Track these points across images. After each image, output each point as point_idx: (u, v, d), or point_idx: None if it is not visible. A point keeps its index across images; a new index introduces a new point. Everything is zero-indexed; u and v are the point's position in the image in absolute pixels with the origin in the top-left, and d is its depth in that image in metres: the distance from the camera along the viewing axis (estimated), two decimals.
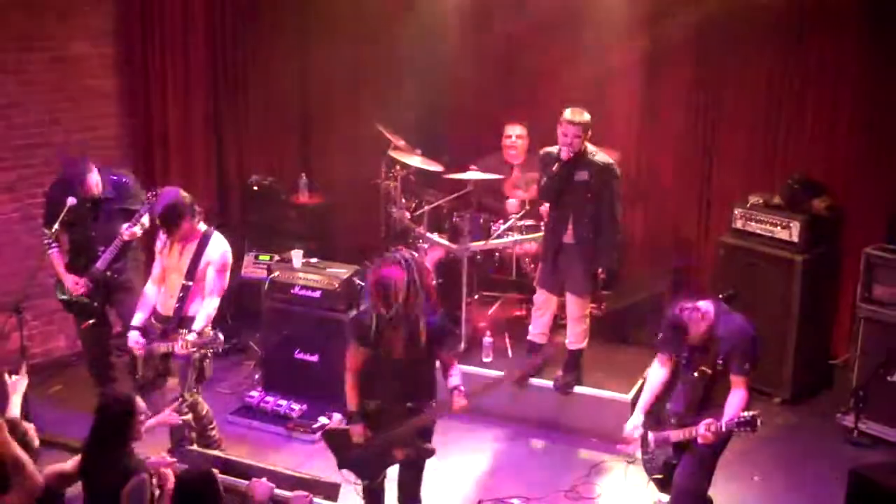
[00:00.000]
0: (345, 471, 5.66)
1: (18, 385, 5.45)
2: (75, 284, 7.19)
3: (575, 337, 7.34)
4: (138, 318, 6.47)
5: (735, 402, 5.39)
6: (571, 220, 7.04)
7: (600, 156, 6.97)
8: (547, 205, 7.47)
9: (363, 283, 7.75)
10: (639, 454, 5.91)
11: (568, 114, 6.83)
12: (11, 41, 7.93)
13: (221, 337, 6.20)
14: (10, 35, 7.91)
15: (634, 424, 5.76)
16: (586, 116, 6.85)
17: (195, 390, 6.52)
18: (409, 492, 5.65)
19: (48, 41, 8.16)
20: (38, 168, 8.17)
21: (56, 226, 7.02)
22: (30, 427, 4.99)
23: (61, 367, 8.29)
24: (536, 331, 7.46)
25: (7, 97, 7.97)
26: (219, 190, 9.24)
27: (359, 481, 5.63)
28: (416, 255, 5.55)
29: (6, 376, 5.51)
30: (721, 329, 5.45)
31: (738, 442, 5.76)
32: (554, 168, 6.93)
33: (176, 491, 4.78)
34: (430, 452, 5.50)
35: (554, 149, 7.00)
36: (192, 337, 6.13)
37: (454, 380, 5.47)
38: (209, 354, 6.41)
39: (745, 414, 5.26)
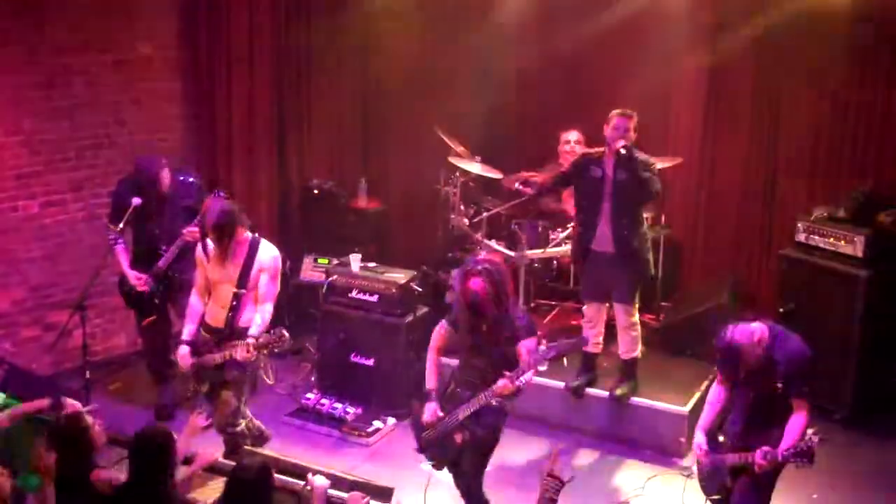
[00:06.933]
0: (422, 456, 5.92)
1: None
2: (138, 279, 7.28)
3: (626, 346, 7.29)
4: (188, 332, 6.44)
5: (794, 427, 5.31)
6: (599, 226, 6.99)
7: (638, 154, 6.91)
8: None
9: (420, 289, 7.78)
10: (695, 469, 5.84)
11: (616, 111, 6.86)
12: (78, 43, 8.05)
13: (287, 333, 6.09)
14: (76, 37, 8.03)
15: (699, 443, 5.67)
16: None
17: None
18: (468, 486, 5.75)
19: (114, 43, 8.28)
20: (103, 168, 8.30)
21: (121, 224, 7.13)
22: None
23: (121, 364, 8.42)
24: (590, 341, 7.41)
25: (73, 98, 8.09)
26: (280, 193, 9.29)
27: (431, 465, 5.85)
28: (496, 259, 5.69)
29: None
30: (778, 352, 5.34)
31: None
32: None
33: (231, 482, 4.79)
34: (483, 436, 5.62)
35: (593, 151, 7.05)
36: (253, 340, 6.07)
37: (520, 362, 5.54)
38: (262, 364, 6.44)
39: (802, 444, 5.17)
